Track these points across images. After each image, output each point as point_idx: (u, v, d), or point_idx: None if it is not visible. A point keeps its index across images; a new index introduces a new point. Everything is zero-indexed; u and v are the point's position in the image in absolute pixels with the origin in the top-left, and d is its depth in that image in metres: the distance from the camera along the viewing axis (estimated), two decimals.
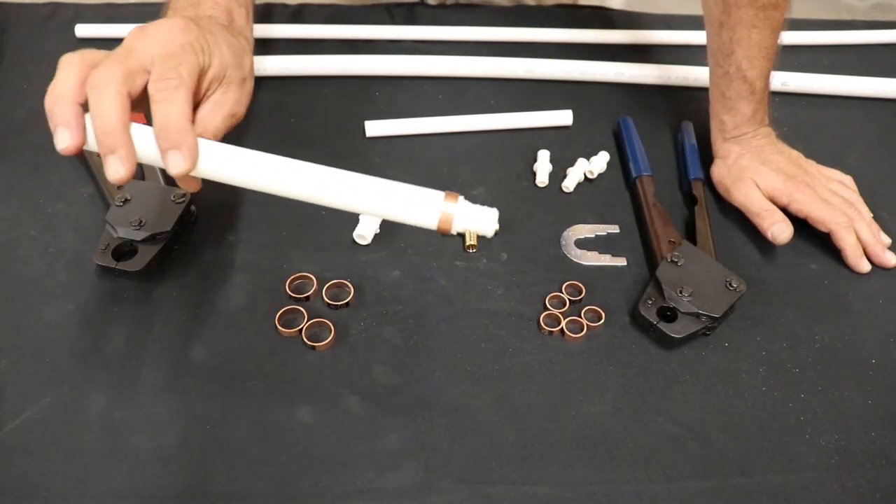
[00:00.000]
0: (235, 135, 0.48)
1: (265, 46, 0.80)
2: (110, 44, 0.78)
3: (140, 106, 0.42)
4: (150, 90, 0.41)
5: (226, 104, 0.46)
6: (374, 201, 0.42)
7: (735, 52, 0.62)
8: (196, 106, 0.45)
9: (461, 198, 0.42)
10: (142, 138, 0.41)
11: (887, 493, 0.47)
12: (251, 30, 0.55)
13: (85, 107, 0.40)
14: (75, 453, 0.46)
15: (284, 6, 0.86)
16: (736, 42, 0.62)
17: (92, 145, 0.41)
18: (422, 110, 0.72)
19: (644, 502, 0.46)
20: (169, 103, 0.40)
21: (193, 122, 0.44)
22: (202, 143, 0.42)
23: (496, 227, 0.43)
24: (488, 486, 0.46)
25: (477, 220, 0.42)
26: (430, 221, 0.42)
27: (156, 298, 0.55)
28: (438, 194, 0.42)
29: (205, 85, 0.45)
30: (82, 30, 0.79)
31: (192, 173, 0.42)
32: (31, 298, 0.54)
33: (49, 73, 0.76)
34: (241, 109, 0.48)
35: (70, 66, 0.41)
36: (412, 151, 0.69)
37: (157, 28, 0.43)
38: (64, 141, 0.40)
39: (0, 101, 0.72)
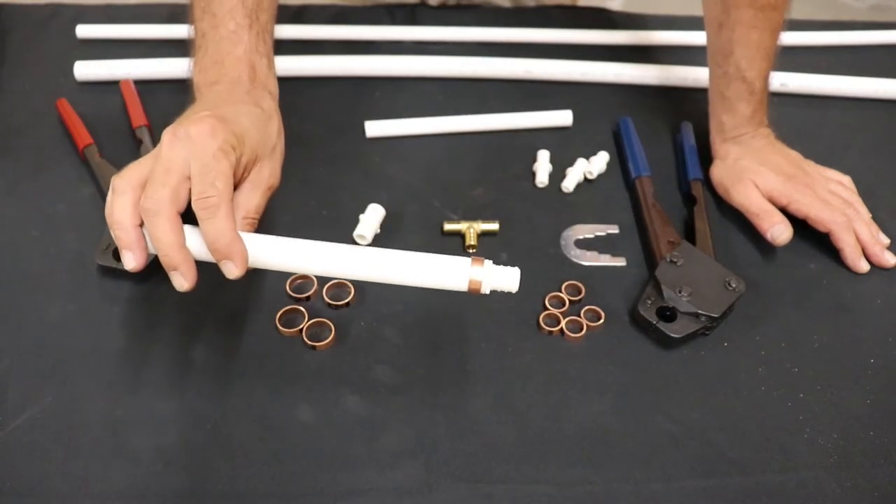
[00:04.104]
0: None
1: None
2: (111, 44, 0.79)
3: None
4: (195, 208, 0.43)
5: (262, 181, 0.49)
6: (407, 275, 0.45)
7: (734, 53, 0.63)
8: (235, 187, 0.47)
9: (487, 262, 0.45)
10: (199, 244, 0.45)
11: (886, 493, 0.47)
12: (274, 76, 0.56)
13: (143, 224, 0.44)
14: (76, 453, 0.46)
15: (286, 7, 0.86)
16: (735, 42, 0.62)
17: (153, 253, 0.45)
18: (422, 110, 0.72)
19: (643, 501, 0.46)
20: (213, 221, 0.43)
21: (237, 206, 0.47)
22: (248, 239, 0.45)
23: (518, 285, 0.46)
24: (488, 486, 0.46)
25: (502, 280, 0.45)
26: (461, 286, 0.45)
27: (156, 298, 0.55)
28: (465, 262, 0.45)
29: (239, 172, 0.47)
30: (83, 30, 0.79)
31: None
32: (33, 298, 0.54)
33: (51, 74, 0.77)
34: (276, 179, 0.51)
35: (123, 194, 0.43)
36: (412, 151, 0.70)
37: (187, 133, 0.44)
38: (130, 263, 0.44)
39: (1, 102, 0.72)
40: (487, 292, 0.45)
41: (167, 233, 0.43)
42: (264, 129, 0.50)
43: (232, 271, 0.44)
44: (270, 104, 0.53)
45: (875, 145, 0.74)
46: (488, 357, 0.53)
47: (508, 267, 0.46)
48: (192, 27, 0.55)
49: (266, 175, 0.49)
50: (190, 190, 0.43)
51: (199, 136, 0.44)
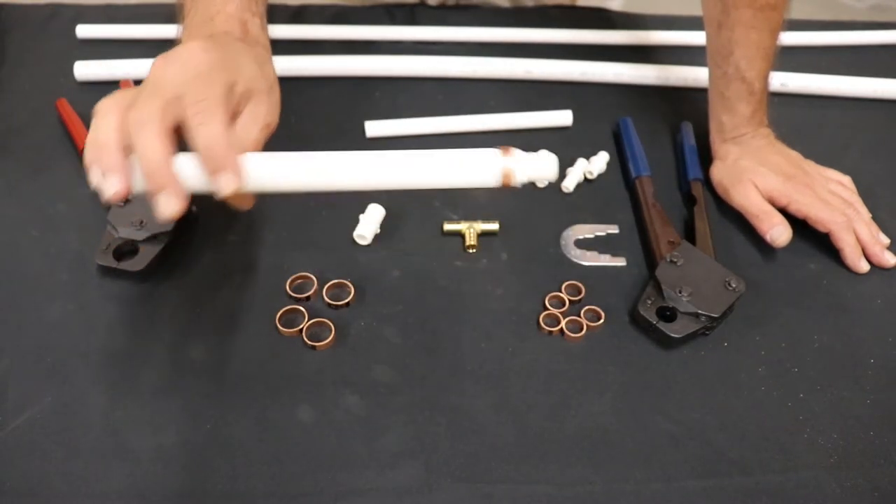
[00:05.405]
0: None
1: None
2: (111, 44, 0.79)
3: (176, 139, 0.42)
4: (188, 115, 0.40)
5: (259, 115, 0.46)
6: (435, 173, 0.41)
7: (734, 53, 0.63)
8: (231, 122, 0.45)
9: (516, 150, 0.42)
10: (185, 168, 0.41)
11: (885, 493, 0.47)
12: (267, 37, 0.54)
13: (128, 150, 0.40)
14: (76, 452, 0.46)
15: (286, 7, 0.86)
16: (734, 43, 0.62)
17: (136, 187, 0.41)
18: (422, 111, 0.72)
19: (643, 501, 0.46)
20: (209, 126, 0.40)
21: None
22: (245, 158, 0.42)
23: (556, 171, 0.42)
24: (488, 486, 0.46)
25: (536, 167, 0.42)
26: (493, 180, 0.41)
27: (157, 298, 0.55)
28: (495, 152, 0.41)
29: (235, 100, 0.44)
30: (83, 30, 0.79)
31: (243, 189, 0.42)
32: (33, 298, 0.54)
33: (51, 74, 0.77)
34: (274, 118, 0.48)
35: (107, 114, 0.41)
36: None
37: (178, 54, 0.43)
38: (114, 186, 0.40)
39: (1, 102, 0.72)
40: (524, 182, 0.41)
41: (156, 146, 0.39)
42: (260, 65, 0.48)
43: (229, 184, 0.40)
44: (263, 53, 0.51)
45: (875, 145, 0.74)
46: (488, 357, 0.53)
47: (542, 151, 0.41)
48: (181, 2, 0.54)
49: (263, 110, 0.46)
50: (180, 113, 0.40)
51: (191, 54, 0.42)
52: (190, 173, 0.41)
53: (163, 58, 0.43)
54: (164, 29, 0.80)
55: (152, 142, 0.39)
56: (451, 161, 0.41)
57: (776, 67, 0.65)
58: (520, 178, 0.41)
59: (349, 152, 0.43)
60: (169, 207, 0.40)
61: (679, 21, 0.88)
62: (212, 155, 0.40)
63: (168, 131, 0.40)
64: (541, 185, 0.42)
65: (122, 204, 0.56)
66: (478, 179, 0.41)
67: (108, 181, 0.40)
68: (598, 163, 0.68)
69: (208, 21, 0.51)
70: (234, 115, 0.45)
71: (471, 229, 0.61)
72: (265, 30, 0.54)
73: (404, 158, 0.42)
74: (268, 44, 0.54)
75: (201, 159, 0.40)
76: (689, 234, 0.62)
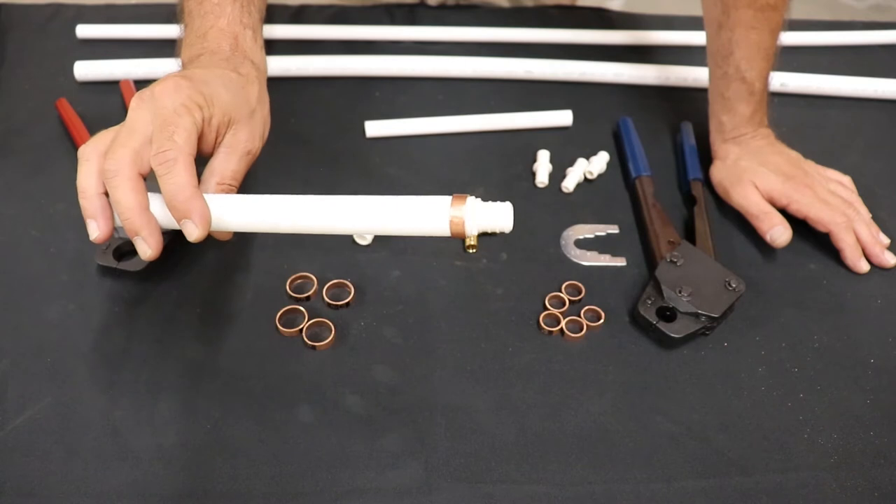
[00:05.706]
0: None
1: (266, 47, 0.80)
2: (111, 44, 0.79)
3: None
4: (153, 165, 0.42)
5: (238, 145, 0.47)
6: (381, 221, 0.42)
7: (734, 53, 0.63)
8: (211, 155, 0.47)
9: (470, 198, 0.42)
10: (159, 209, 0.43)
11: (885, 493, 0.47)
12: (260, 49, 0.54)
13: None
14: (76, 453, 0.46)
15: (286, 7, 0.86)
16: (735, 43, 0.62)
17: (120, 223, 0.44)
18: (422, 110, 0.72)
19: (643, 501, 0.46)
20: (170, 175, 0.42)
21: (211, 172, 0.46)
22: (215, 199, 0.44)
23: (511, 222, 0.42)
24: (488, 486, 0.46)
25: (490, 218, 0.41)
26: (441, 229, 0.41)
27: (156, 298, 0.55)
28: (445, 200, 0.42)
29: (212, 135, 0.46)
30: (83, 30, 0.79)
31: (212, 230, 0.44)
32: (33, 298, 0.54)
33: (51, 74, 0.77)
34: (254, 145, 0.49)
35: (87, 161, 0.43)
36: (412, 152, 0.70)
37: (151, 94, 0.44)
38: (93, 232, 0.44)
39: (1, 102, 0.72)
40: (474, 234, 0.41)
41: (127, 194, 0.41)
42: (239, 92, 0.49)
43: (192, 231, 0.42)
44: (250, 70, 0.51)
45: (875, 145, 0.74)
46: (488, 357, 0.53)
47: (497, 202, 0.41)
48: (181, 11, 0.55)
49: (243, 139, 0.48)
50: (149, 159, 0.42)
51: (161, 94, 0.44)
52: (164, 215, 0.43)
53: (138, 97, 0.44)
54: (164, 29, 0.80)
55: (124, 191, 0.42)
56: (399, 209, 0.42)
57: (776, 67, 0.65)
58: (471, 228, 0.41)
59: (308, 197, 0.44)
60: (142, 250, 0.43)
61: (679, 21, 0.88)
62: (175, 204, 0.42)
63: (138, 178, 0.42)
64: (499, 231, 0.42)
65: None
66: (426, 228, 0.42)
67: (89, 226, 0.43)
68: (598, 163, 0.68)
69: (201, 38, 0.51)
70: (215, 147, 0.47)
71: None
72: (259, 41, 0.55)
73: (353, 205, 0.43)
74: (260, 57, 0.54)
75: (167, 207, 0.43)
76: (689, 234, 0.62)
